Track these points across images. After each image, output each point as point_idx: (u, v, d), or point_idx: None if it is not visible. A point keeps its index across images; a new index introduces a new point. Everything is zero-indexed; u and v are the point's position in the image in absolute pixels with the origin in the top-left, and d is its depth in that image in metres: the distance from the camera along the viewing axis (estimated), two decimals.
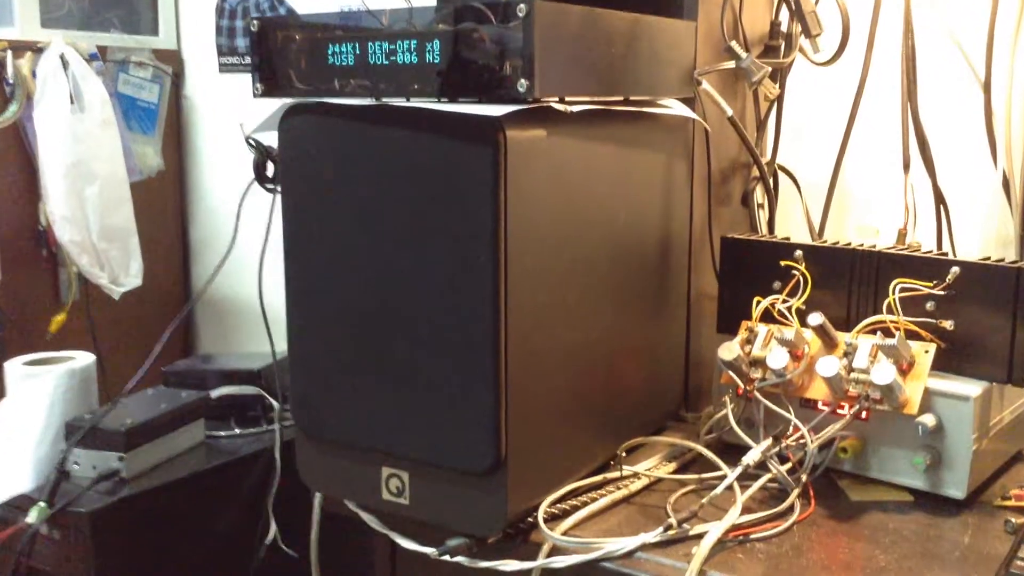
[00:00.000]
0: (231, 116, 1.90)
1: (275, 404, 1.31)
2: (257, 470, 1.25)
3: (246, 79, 1.88)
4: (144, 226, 1.76)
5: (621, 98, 0.89)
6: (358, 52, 0.83)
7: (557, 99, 0.79)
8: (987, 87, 1.13)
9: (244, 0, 1.87)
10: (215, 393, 1.30)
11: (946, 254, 0.94)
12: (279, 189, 1.33)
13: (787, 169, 1.24)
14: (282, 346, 1.36)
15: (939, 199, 1.17)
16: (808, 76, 1.21)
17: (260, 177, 1.32)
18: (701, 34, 1.01)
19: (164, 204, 1.94)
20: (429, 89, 0.80)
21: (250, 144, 1.32)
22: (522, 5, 0.73)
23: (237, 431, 1.30)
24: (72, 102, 1.63)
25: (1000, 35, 1.12)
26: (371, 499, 0.88)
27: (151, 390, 1.28)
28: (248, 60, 1.89)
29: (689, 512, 0.82)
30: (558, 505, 0.86)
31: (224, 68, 1.91)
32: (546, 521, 0.83)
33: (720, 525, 0.81)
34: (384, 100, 0.82)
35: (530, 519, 0.84)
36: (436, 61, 0.78)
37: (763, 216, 1.20)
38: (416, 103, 0.79)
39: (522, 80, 0.74)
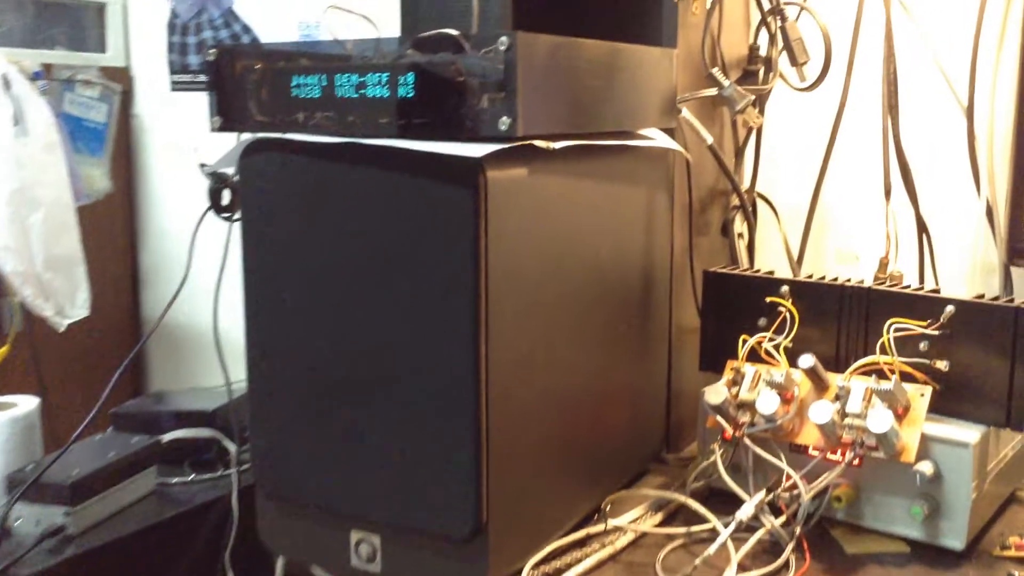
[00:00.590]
0: (184, 136, 1.83)
1: (231, 447, 1.24)
2: (213, 520, 1.18)
3: (199, 97, 1.80)
4: (92, 252, 1.68)
5: (604, 131, 0.84)
6: (325, 84, 0.77)
7: (539, 136, 0.74)
8: (970, 113, 1.10)
9: (197, 16, 1.80)
10: (167, 437, 1.23)
11: (938, 291, 0.90)
12: (236, 218, 1.28)
13: (766, 197, 1.20)
14: (238, 379, 1.30)
15: (921, 227, 1.14)
16: (786, 101, 1.18)
17: (216, 206, 1.26)
18: (680, 60, 0.97)
19: (112, 228, 1.86)
20: (402, 124, 0.74)
21: (204, 170, 1.25)
22: (504, 38, 0.68)
23: (191, 477, 1.23)
24: (15, 124, 1.54)
25: (983, 60, 1.09)
26: (339, 565, 0.82)
27: (99, 436, 1.20)
28: (201, 78, 1.82)
29: (682, 575, 0.77)
30: (541, 568, 0.81)
31: (176, 86, 1.84)
32: None
33: None
34: (352, 135, 0.76)
35: None
36: (410, 95, 0.73)
37: (742, 245, 1.16)
38: (388, 141, 0.73)
39: (504, 117, 0.69)
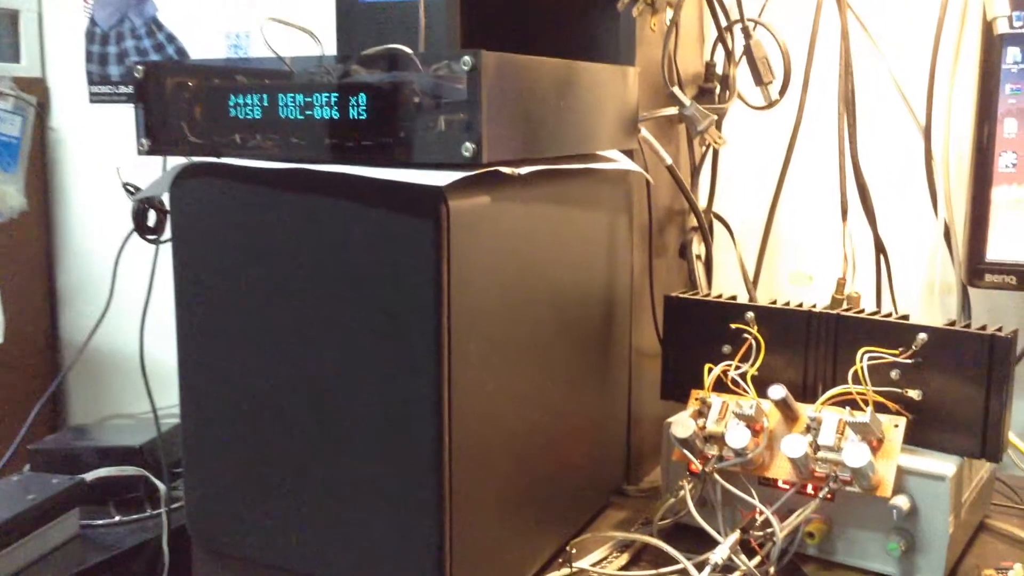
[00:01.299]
0: (105, 150, 1.74)
1: (160, 485, 1.16)
2: (143, 564, 1.10)
3: (120, 110, 1.72)
4: (6, 273, 1.58)
5: (565, 154, 0.79)
6: (267, 104, 0.71)
7: (502, 162, 0.69)
8: (927, 134, 1.08)
9: (118, 25, 1.71)
10: (91, 476, 1.15)
11: (907, 316, 0.87)
12: (163, 240, 1.20)
13: (722, 217, 1.17)
14: (164, 407, 1.22)
15: (879, 248, 1.12)
16: (740, 119, 1.15)
17: (140, 227, 1.18)
18: (640, 79, 0.93)
19: (28, 248, 1.75)
20: (351, 148, 0.68)
21: (128, 191, 1.17)
22: (467, 58, 0.63)
23: (117, 518, 1.14)
24: None
25: (940, 80, 1.08)
26: None
27: (16, 476, 1.12)
28: (123, 90, 1.73)
29: None
30: None
31: (95, 98, 1.75)
32: None
33: None
34: (296, 159, 0.70)
35: None
36: (362, 117, 0.67)
37: (700, 267, 1.12)
38: (338, 167, 0.67)
39: (467, 143, 0.64)
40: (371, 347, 0.67)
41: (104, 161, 1.74)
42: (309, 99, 0.69)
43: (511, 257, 0.74)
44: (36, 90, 1.74)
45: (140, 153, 0.77)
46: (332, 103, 0.68)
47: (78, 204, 1.79)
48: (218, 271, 0.72)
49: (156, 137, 0.76)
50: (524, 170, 0.70)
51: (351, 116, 0.68)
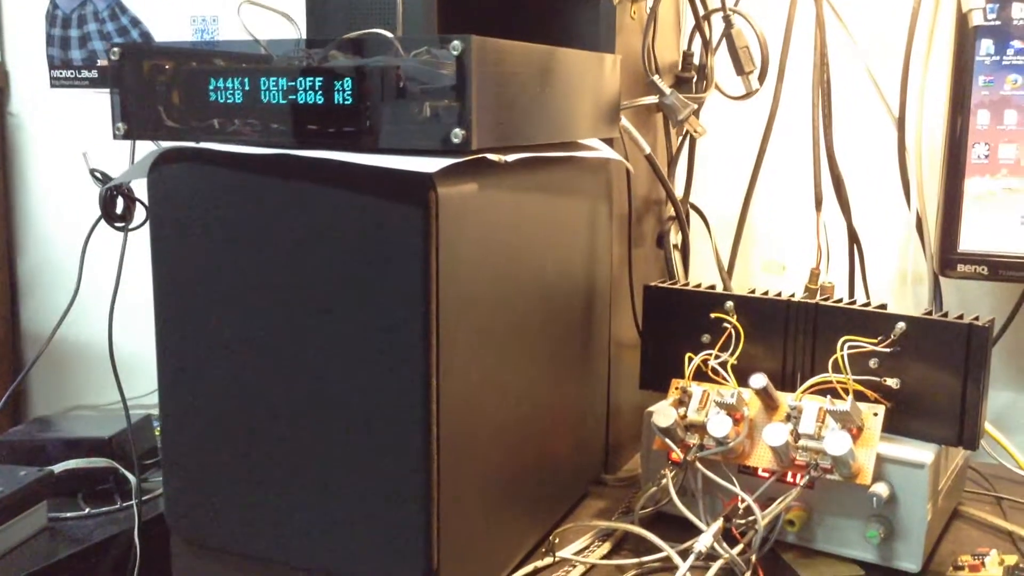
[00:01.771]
0: (66, 136, 1.70)
1: (131, 477, 1.14)
2: (113, 557, 1.08)
3: (82, 95, 1.68)
4: None
5: (549, 142, 0.79)
6: (248, 88, 0.69)
7: (490, 149, 0.68)
8: (901, 124, 1.09)
9: (80, 7, 1.67)
10: (60, 468, 1.12)
11: (885, 306, 0.88)
12: (132, 228, 1.18)
13: (697, 207, 1.17)
14: (133, 403, 1.20)
15: (853, 238, 1.13)
16: (716, 110, 1.15)
17: (108, 214, 1.16)
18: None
19: None
20: (333, 134, 0.67)
21: (96, 177, 1.15)
22: (456, 43, 0.62)
23: (86, 511, 1.12)
24: None
25: (914, 71, 1.09)
26: None
27: None
28: (84, 75, 1.70)
29: None
30: None
31: (56, 82, 1.71)
32: None
33: None
34: (277, 144, 0.69)
35: None
36: (347, 102, 0.66)
37: (677, 257, 1.12)
38: (322, 153, 0.66)
39: (456, 129, 0.63)
40: (358, 336, 0.66)
41: (66, 147, 1.70)
42: (293, 83, 0.68)
43: (497, 246, 0.73)
44: None
45: (116, 137, 0.75)
46: (317, 87, 0.67)
47: (39, 191, 1.75)
48: (198, 259, 0.71)
49: (132, 121, 0.74)
50: (510, 157, 0.69)
51: (336, 101, 0.67)
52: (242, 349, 0.70)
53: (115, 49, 0.73)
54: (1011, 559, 0.80)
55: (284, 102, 0.68)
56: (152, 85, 0.73)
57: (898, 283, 1.17)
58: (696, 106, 0.95)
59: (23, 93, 1.74)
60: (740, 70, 0.98)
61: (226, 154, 0.68)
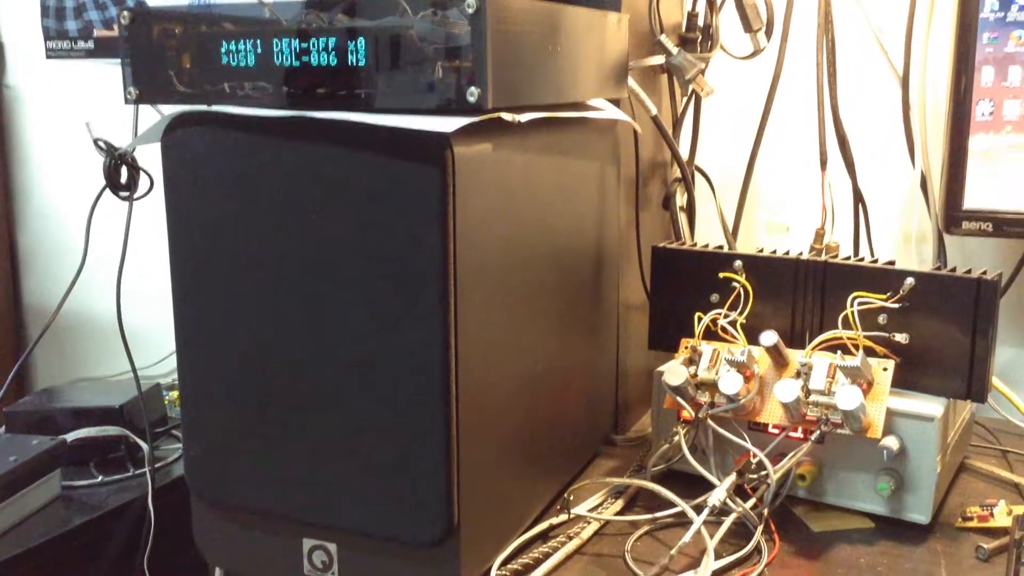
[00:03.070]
0: (64, 107, 1.69)
1: (143, 445, 1.15)
2: (127, 524, 1.09)
3: (79, 66, 1.67)
4: None
5: (559, 103, 0.79)
6: (260, 51, 0.69)
7: (504, 108, 0.68)
8: (905, 83, 1.10)
9: None
10: (72, 436, 1.13)
11: (893, 262, 0.89)
12: (137, 197, 1.17)
13: (701, 168, 1.17)
14: (141, 373, 1.20)
15: (858, 198, 1.13)
16: (720, 70, 1.15)
17: (113, 184, 1.16)
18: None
19: None
20: (344, 96, 0.67)
21: (99, 146, 1.15)
22: (471, 1, 0.62)
23: (99, 479, 1.13)
24: None
25: (918, 29, 1.08)
26: (290, 575, 0.75)
27: None
28: (80, 45, 1.68)
29: (660, 567, 0.74)
30: (508, 566, 0.76)
31: (52, 54, 1.69)
32: None
33: None
34: (289, 107, 0.69)
35: None
36: (361, 63, 0.66)
37: (683, 218, 1.13)
38: (337, 114, 0.66)
39: (472, 88, 0.63)
40: (376, 296, 0.67)
41: (63, 119, 1.69)
42: (305, 45, 0.67)
43: (510, 206, 0.73)
44: None
45: (127, 102, 0.75)
46: (330, 48, 0.67)
47: (37, 162, 1.75)
48: (214, 222, 0.71)
49: (143, 85, 0.74)
50: (524, 117, 0.69)
51: (349, 62, 0.67)
52: (259, 310, 0.71)
53: (125, 13, 0.73)
54: (1019, 509, 0.81)
55: (297, 64, 0.68)
56: (163, 49, 0.73)
57: (902, 242, 1.17)
58: (704, 65, 0.95)
59: (19, 65, 1.72)
60: (748, 27, 0.98)
61: (240, 117, 0.68)
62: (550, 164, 0.80)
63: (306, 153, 0.67)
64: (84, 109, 1.65)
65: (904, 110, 1.10)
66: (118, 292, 1.13)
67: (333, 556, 0.73)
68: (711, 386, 0.87)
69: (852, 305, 0.85)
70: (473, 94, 0.63)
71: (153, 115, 0.78)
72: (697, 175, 1.17)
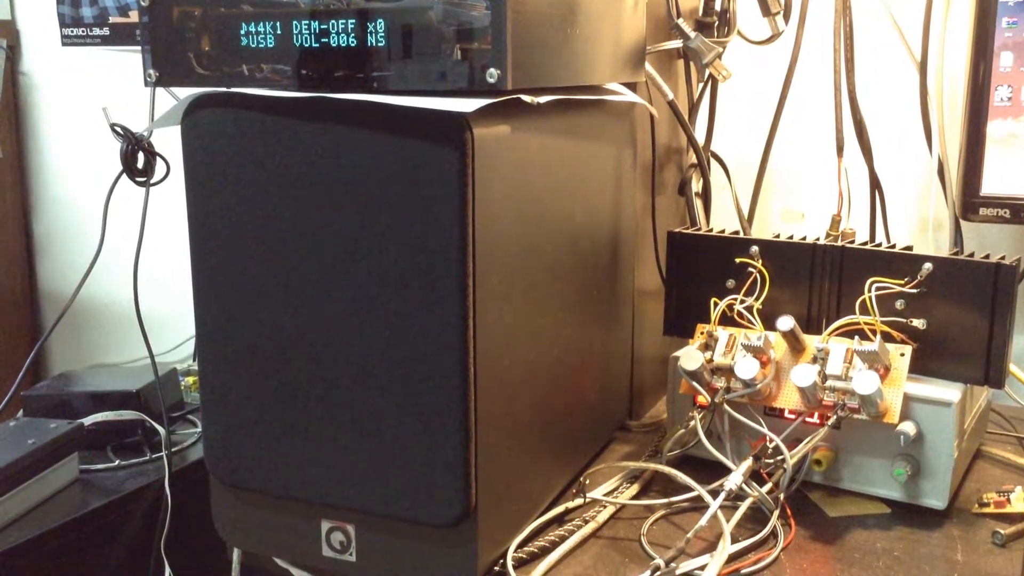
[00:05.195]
0: (79, 94, 1.70)
1: (160, 429, 1.15)
2: (144, 508, 1.10)
3: (94, 53, 1.68)
4: None
5: (576, 85, 0.79)
6: (280, 32, 0.69)
7: (523, 90, 0.68)
8: (923, 68, 1.09)
9: None
10: (90, 420, 1.13)
11: (911, 248, 0.88)
12: (154, 182, 1.18)
13: (717, 154, 1.17)
14: (162, 359, 1.21)
15: (875, 184, 1.13)
16: (737, 56, 1.15)
17: (130, 169, 1.16)
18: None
19: (3, 195, 1.72)
20: (363, 77, 0.67)
21: (116, 131, 1.15)
22: None
23: (116, 463, 1.14)
24: None
25: (936, 14, 1.08)
26: (308, 557, 0.76)
27: (13, 422, 1.10)
28: (96, 32, 1.69)
29: (676, 550, 0.74)
30: (525, 548, 0.76)
31: (68, 41, 1.70)
32: (516, 568, 0.74)
33: (714, 564, 0.73)
34: (308, 89, 0.69)
35: (496, 568, 0.74)
36: (381, 44, 0.66)
37: (699, 204, 1.13)
38: (357, 95, 0.66)
39: (492, 69, 0.63)
40: (395, 277, 0.67)
41: (79, 106, 1.70)
42: (325, 26, 0.68)
43: (528, 188, 0.73)
44: (6, 33, 1.70)
45: (147, 85, 0.75)
46: (350, 30, 0.67)
47: (53, 149, 1.76)
48: (234, 203, 0.71)
49: (163, 68, 0.74)
50: (542, 99, 0.69)
51: (369, 43, 0.67)
52: (279, 292, 0.71)
53: None
54: None
55: (316, 45, 0.68)
56: (183, 31, 0.73)
57: (919, 228, 1.17)
58: (721, 49, 0.94)
59: (34, 52, 1.73)
60: (767, 11, 0.98)
61: (260, 98, 0.69)
62: (567, 148, 0.80)
63: (325, 134, 0.67)
64: (100, 96, 1.66)
65: (922, 95, 1.10)
66: (135, 278, 1.14)
67: (351, 537, 0.74)
68: (727, 371, 0.87)
69: (870, 290, 0.85)
70: (493, 75, 0.63)
71: (169, 101, 0.79)
72: (713, 161, 1.17)
